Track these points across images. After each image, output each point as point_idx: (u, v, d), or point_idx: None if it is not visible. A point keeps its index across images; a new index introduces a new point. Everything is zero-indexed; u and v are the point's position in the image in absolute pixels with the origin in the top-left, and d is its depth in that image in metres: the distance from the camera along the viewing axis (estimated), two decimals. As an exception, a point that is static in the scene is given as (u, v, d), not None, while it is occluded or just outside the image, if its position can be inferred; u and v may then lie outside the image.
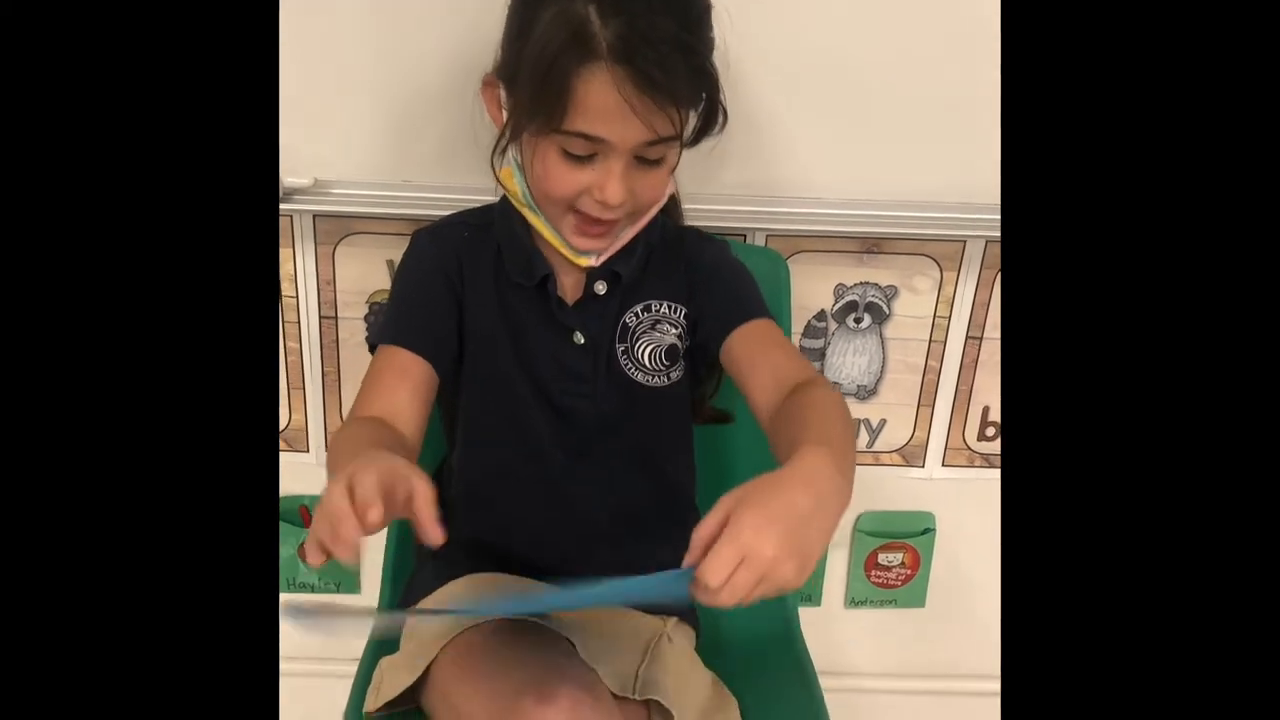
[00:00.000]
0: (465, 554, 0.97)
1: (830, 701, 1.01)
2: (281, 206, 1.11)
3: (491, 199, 1.01)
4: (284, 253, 1.17)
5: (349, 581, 1.33)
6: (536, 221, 0.93)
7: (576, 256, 0.93)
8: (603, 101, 0.81)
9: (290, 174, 1.10)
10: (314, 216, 1.16)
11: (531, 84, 0.83)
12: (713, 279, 0.98)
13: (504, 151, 0.93)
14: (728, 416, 1.08)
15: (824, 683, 1.04)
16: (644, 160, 0.86)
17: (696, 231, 1.03)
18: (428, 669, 0.91)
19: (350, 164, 1.13)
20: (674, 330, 0.98)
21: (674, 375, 0.99)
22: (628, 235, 0.94)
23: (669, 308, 0.98)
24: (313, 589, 1.33)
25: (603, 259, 0.94)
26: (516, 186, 0.93)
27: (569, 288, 0.97)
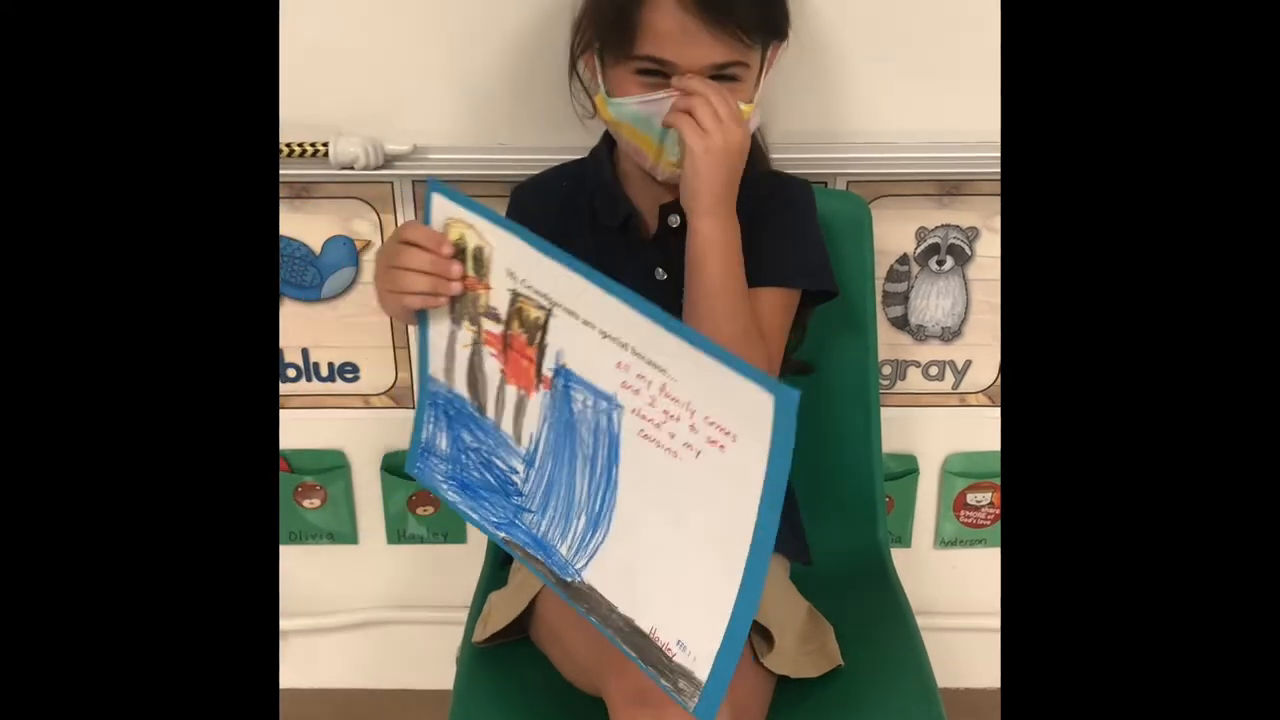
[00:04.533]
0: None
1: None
2: (382, 172, 1.16)
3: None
4: (386, 219, 1.23)
5: (456, 531, 1.40)
6: (634, 134, 0.94)
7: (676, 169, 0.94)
8: (666, 26, 0.88)
9: (390, 141, 1.16)
10: (413, 182, 1.22)
11: (603, 14, 0.92)
12: (765, 222, 0.98)
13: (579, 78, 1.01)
14: (809, 368, 1.09)
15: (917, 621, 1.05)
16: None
17: (777, 174, 1.05)
18: (533, 602, 0.96)
19: (448, 128, 1.18)
20: None
21: None
22: None
23: None
24: (421, 540, 1.40)
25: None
26: (611, 113, 0.95)
27: (650, 226, 1.01)
